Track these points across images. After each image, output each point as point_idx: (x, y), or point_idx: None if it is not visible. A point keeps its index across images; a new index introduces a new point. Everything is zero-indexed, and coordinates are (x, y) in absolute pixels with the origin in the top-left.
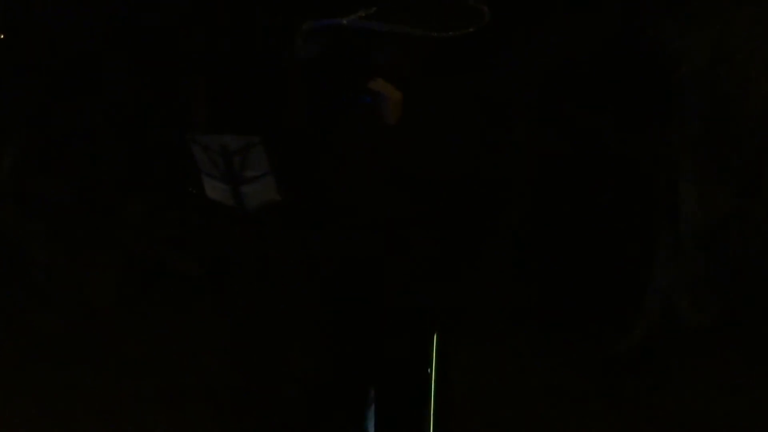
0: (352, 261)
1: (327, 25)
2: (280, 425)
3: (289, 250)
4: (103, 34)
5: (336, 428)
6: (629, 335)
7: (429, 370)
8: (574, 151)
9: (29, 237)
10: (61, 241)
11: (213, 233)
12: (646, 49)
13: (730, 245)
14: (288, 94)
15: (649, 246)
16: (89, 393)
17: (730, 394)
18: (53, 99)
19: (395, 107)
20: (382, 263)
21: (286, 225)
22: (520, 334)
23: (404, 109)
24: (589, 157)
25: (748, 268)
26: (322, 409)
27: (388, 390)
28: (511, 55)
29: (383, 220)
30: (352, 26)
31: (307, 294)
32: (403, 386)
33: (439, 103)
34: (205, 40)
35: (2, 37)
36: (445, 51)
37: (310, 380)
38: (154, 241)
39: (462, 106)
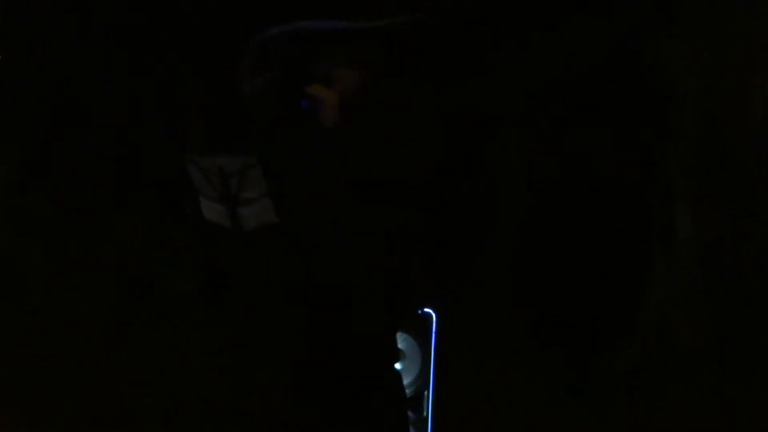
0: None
1: (270, 37)
2: None
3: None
4: (100, 54)
5: None
6: (624, 353)
7: (426, 392)
8: (568, 169)
9: (24, 255)
10: (56, 260)
11: (208, 253)
12: (641, 67)
13: (725, 263)
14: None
15: (644, 264)
16: (83, 410)
17: (726, 413)
18: (49, 118)
19: (332, 110)
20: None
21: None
22: (514, 352)
23: (357, 116)
24: (584, 175)
25: (743, 286)
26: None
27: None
28: (505, 72)
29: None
30: (294, 30)
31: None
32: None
33: (394, 111)
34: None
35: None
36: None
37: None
38: (149, 260)
39: (418, 116)
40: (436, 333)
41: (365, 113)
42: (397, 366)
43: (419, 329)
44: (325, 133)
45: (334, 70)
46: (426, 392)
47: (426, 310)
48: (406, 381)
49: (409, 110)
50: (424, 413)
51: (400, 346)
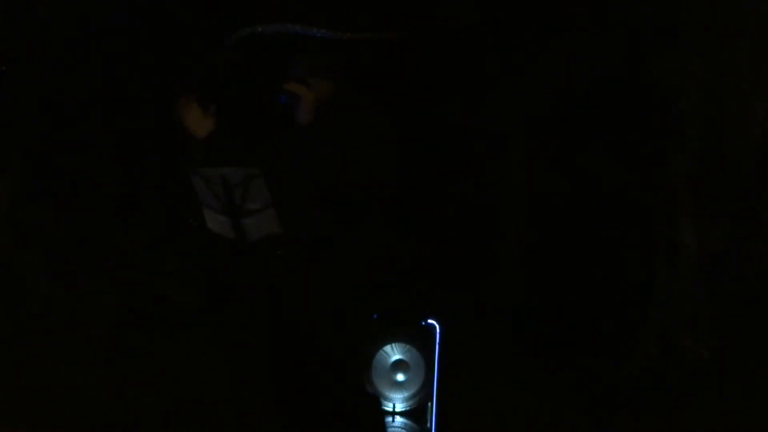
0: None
1: (245, 34)
2: None
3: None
4: (104, 66)
5: None
6: (627, 365)
7: (429, 404)
8: (572, 182)
9: (27, 268)
10: (59, 272)
11: (212, 265)
12: (644, 83)
13: (728, 277)
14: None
15: (648, 278)
16: (85, 421)
17: (729, 424)
18: (52, 129)
19: (308, 106)
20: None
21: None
22: (517, 363)
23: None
24: (587, 188)
25: (746, 298)
26: None
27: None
28: (508, 89)
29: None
30: (268, 31)
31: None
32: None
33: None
34: (205, 71)
35: (3, 68)
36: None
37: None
38: (153, 272)
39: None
40: (439, 344)
41: (342, 120)
42: (401, 377)
43: (423, 341)
44: (301, 132)
45: (312, 77)
46: (429, 403)
47: (429, 321)
48: (410, 392)
49: (388, 121)
50: (428, 424)
51: (404, 357)
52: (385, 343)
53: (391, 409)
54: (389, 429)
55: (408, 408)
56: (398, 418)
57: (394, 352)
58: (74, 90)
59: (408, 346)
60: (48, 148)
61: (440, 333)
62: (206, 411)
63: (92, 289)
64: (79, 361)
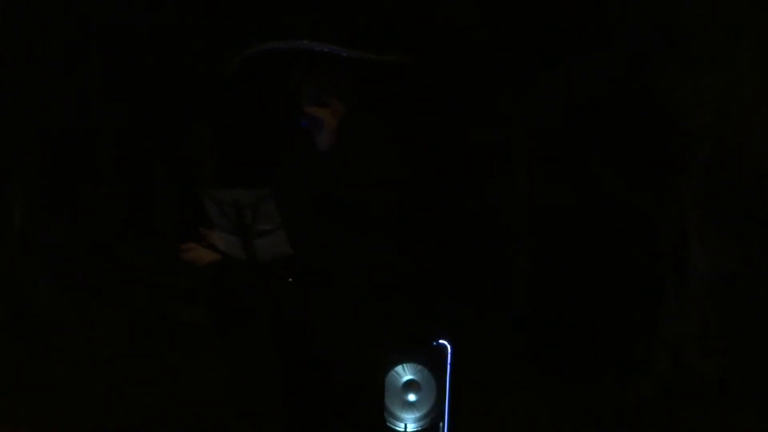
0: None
1: (264, 50)
2: None
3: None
4: (115, 87)
5: None
6: (639, 386)
7: (441, 424)
8: (582, 201)
9: (38, 287)
10: (69, 290)
11: (221, 284)
12: (653, 101)
13: (738, 296)
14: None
15: (658, 297)
16: None
17: None
18: (63, 148)
19: (330, 132)
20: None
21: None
22: (528, 384)
23: (348, 140)
24: (597, 207)
25: (756, 317)
26: None
27: None
28: (519, 106)
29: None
30: (288, 47)
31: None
32: None
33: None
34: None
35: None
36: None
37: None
38: (162, 291)
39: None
40: (451, 365)
41: (363, 141)
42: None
43: (434, 361)
44: (322, 156)
45: (333, 96)
46: (441, 423)
47: (441, 342)
48: (421, 412)
49: (404, 142)
50: None
51: (415, 377)
52: (397, 364)
53: (402, 430)
54: None
55: (420, 428)
56: None
57: (405, 373)
58: (86, 109)
59: (419, 367)
60: (58, 167)
61: (451, 353)
62: (214, 428)
63: (102, 306)
64: (88, 378)
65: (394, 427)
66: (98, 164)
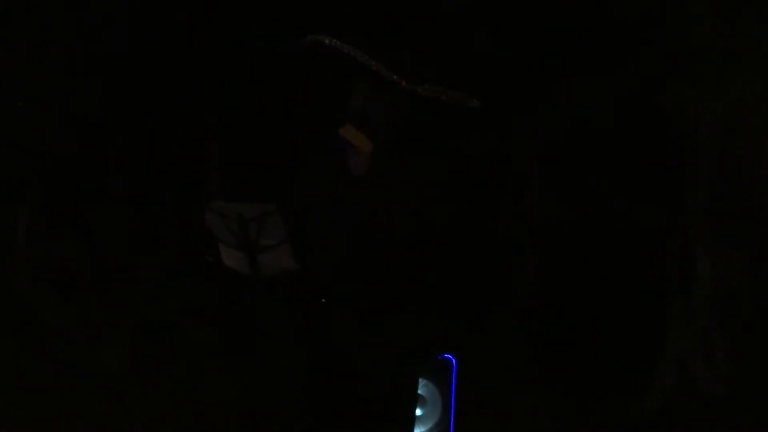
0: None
1: (310, 41)
2: None
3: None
4: (120, 99)
5: None
6: (644, 400)
7: None
8: (588, 216)
9: (44, 302)
10: (75, 306)
11: (226, 298)
12: (659, 116)
13: (744, 310)
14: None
15: (663, 311)
16: None
17: None
18: (68, 164)
19: (363, 159)
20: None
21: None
22: (534, 400)
23: (381, 165)
24: (603, 221)
25: (762, 332)
26: None
27: None
28: (524, 121)
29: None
30: (334, 46)
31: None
32: None
33: (416, 164)
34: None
35: (20, 104)
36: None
37: None
38: (168, 306)
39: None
40: (456, 379)
41: (388, 165)
42: (418, 412)
43: (440, 375)
44: (352, 181)
45: (367, 110)
46: None
47: (446, 356)
48: (427, 427)
49: (430, 166)
50: None
51: (420, 392)
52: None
53: None
54: None
55: None
56: None
57: None
58: (93, 121)
59: (425, 381)
60: (64, 180)
61: (457, 367)
62: None
63: (108, 323)
64: (95, 392)
65: None
66: (104, 177)
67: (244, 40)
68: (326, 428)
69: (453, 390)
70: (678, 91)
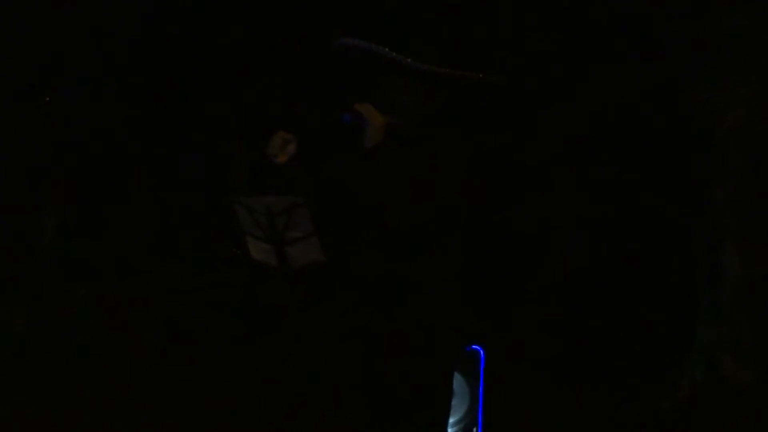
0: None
1: (357, 45)
2: None
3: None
4: (143, 97)
5: None
6: (673, 393)
7: (474, 430)
8: (616, 208)
9: (70, 298)
10: (102, 302)
11: (254, 293)
12: (685, 108)
13: None
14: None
15: (692, 304)
16: None
17: None
18: (94, 162)
19: (374, 132)
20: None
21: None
22: (562, 390)
23: (406, 155)
24: (631, 213)
25: None
26: None
27: None
28: (549, 114)
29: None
30: (379, 52)
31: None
32: None
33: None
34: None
35: (48, 99)
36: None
37: None
38: (194, 301)
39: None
40: (483, 370)
41: (412, 147)
42: None
43: (467, 366)
44: (365, 154)
45: (398, 102)
46: (474, 429)
47: (474, 347)
48: (454, 418)
49: (456, 150)
50: None
51: None
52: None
53: None
54: None
55: None
56: None
57: None
58: (119, 121)
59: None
60: (90, 180)
61: (484, 359)
62: None
63: (135, 318)
64: (122, 389)
65: None
66: (131, 174)
67: (268, 36)
68: (361, 421)
69: (481, 381)
70: (704, 84)
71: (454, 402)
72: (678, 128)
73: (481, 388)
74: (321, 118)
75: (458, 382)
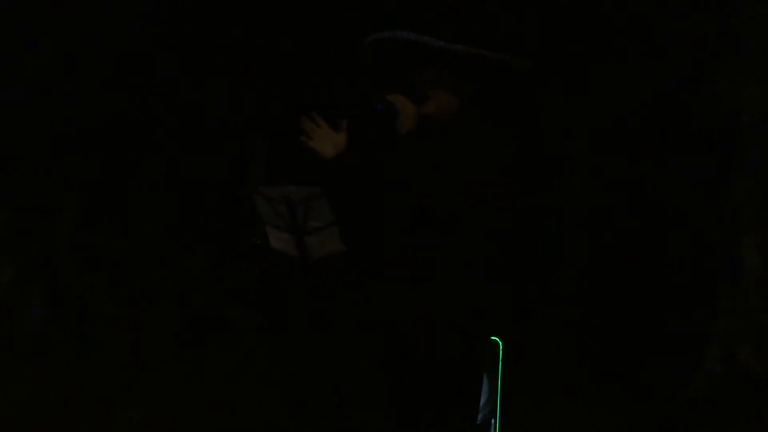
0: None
1: (392, 37)
2: None
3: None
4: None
5: None
6: (692, 387)
7: (493, 421)
8: (635, 202)
9: (89, 288)
10: (121, 293)
11: (273, 284)
12: (703, 102)
13: None
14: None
15: (711, 297)
16: None
17: None
18: (111, 154)
19: (406, 120)
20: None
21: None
22: (580, 386)
23: (440, 144)
24: (649, 207)
25: None
26: None
27: None
28: (568, 108)
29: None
30: (416, 40)
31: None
32: None
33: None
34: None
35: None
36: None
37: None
38: (214, 292)
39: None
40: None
41: (445, 136)
42: None
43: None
44: (397, 141)
45: (436, 89)
46: (493, 420)
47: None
48: None
49: (488, 141)
50: None
51: None
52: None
53: None
54: None
55: None
56: None
57: None
58: (134, 114)
59: None
60: (110, 171)
61: (503, 349)
62: (268, 430)
63: (154, 308)
64: (140, 380)
65: None
66: (151, 164)
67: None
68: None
69: (500, 372)
70: (723, 76)
71: None
72: (697, 120)
73: (500, 379)
74: (353, 109)
75: None
